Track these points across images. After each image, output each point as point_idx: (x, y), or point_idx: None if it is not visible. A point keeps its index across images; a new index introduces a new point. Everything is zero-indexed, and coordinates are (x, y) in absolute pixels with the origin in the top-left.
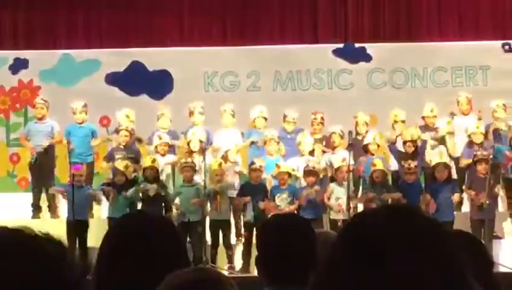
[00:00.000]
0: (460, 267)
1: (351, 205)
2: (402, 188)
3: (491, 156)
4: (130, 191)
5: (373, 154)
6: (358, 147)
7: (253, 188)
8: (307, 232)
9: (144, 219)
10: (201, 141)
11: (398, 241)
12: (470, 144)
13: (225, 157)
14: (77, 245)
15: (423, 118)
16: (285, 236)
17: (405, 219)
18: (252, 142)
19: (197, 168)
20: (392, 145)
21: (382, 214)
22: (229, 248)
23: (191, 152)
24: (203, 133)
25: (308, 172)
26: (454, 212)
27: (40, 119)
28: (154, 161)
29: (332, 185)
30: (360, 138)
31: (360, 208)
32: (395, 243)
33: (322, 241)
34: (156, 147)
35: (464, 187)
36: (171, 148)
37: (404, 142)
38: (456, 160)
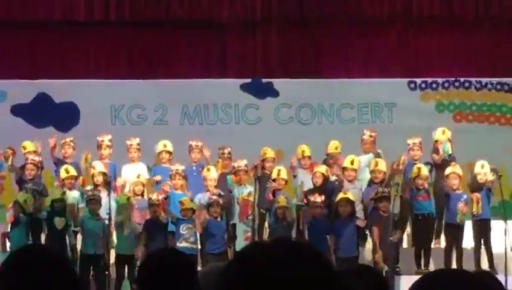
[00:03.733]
0: None
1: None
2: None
3: (395, 194)
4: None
5: (279, 189)
6: (266, 182)
7: (153, 224)
8: (182, 267)
9: (35, 254)
10: (104, 174)
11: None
12: (371, 182)
13: (132, 191)
14: None
15: (327, 155)
16: (162, 272)
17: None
18: (157, 182)
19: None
20: (293, 178)
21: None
22: (133, 281)
23: (94, 185)
24: (103, 166)
25: (211, 204)
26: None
27: None
28: (63, 193)
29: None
30: (268, 172)
31: None
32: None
33: (210, 273)
34: (62, 180)
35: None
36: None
37: (313, 174)
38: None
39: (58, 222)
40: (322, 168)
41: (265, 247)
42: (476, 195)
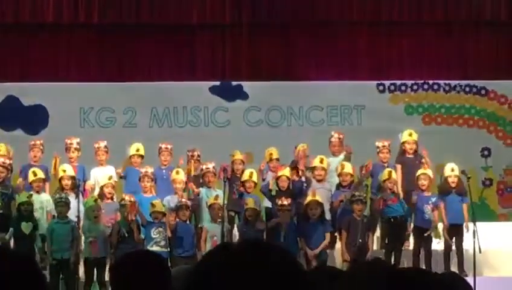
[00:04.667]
0: None
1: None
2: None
3: (364, 195)
4: (10, 232)
5: (249, 192)
6: (236, 185)
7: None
8: (157, 268)
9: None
10: (73, 178)
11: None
12: (340, 185)
13: (102, 194)
14: None
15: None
16: (135, 273)
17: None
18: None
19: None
20: (262, 182)
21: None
22: (103, 284)
23: (62, 189)
24: (72, 169)
25: (180, 207)
26: (328, 251)
27: None
28: (30, 196)
29: (207, 224)
30: (237, 175)
31: None
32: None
33: (178, 275)
34: (30, 183)
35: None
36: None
37: (278, 178)
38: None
39: (25, 226)
40: (286, 171)
41: (233, 249)
42: (442, 204)
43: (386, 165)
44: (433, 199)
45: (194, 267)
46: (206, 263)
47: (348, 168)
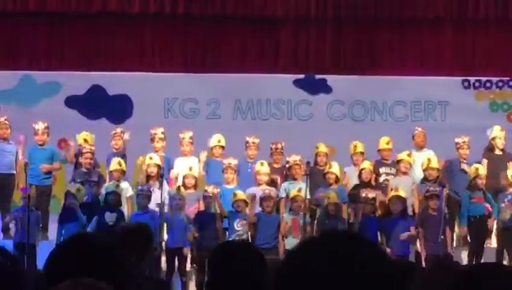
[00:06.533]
0: None
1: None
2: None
3: (447, 192)
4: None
5: (331, 184)
6: (318, 178)
7: (207, 216)
8: (254, 259)
9: (85, 241)
10: (159, 166)
11: (337, 266)
12: (424, 179)
13: (184, 184)
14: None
15: (379, 151)
16: (232, 262)
17: (345, 245)
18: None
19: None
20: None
21: (323, 242)
22: (183, 274)
23: (148, 177)
24: (159, 158)
25: (264, 198)
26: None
27: (5, 139)
28: (117, 186)
29: (286, 216)
30: (320, 168)
31: None
32: (334, 267)
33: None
34: (111, 171)
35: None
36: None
37: (361, 170)
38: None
39: (109, 216)
40: (367, 164)
41: (322, 241)
42: None
43: (465, 161)
44: (509, 197)
45: (285, 259)
46: (296, 255)
47: (435, 163)
